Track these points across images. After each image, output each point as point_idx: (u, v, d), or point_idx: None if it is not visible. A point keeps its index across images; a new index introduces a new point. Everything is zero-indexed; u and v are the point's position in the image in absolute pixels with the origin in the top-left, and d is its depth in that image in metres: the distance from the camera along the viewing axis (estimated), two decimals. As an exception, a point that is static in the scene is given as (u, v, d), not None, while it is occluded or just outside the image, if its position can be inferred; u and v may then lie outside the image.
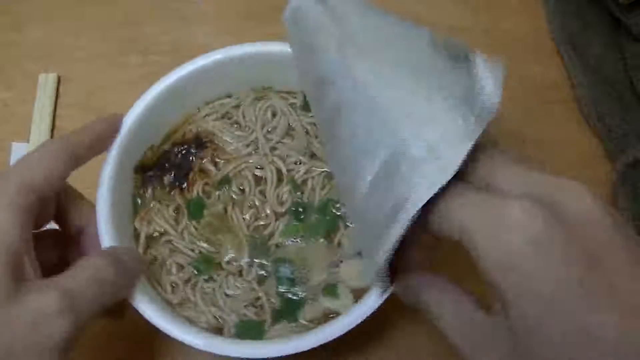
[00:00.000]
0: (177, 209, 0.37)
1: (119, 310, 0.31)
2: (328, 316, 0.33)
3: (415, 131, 0.23)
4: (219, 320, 0.33)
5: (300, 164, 0.37)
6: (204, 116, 0.39)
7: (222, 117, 0.39)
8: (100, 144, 0.33)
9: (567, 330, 0.19)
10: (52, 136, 0.46)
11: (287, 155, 0.37)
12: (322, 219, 0.35)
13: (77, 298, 0.25)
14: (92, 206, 0.32)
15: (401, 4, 0.52)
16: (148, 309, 0.30)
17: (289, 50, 0.32)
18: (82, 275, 0.26)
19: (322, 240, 0.35)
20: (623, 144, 0.44)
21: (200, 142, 0.38)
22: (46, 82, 0.47)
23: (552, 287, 0.19)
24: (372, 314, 0.29)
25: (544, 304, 0.19)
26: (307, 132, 0.38)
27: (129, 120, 0.35)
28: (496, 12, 0.52)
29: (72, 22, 0.51)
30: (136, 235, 0.36)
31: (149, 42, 0.50)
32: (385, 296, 0.28)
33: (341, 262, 0.34)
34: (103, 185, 0.33)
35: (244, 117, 0.39)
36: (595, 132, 0.46)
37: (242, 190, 0.37)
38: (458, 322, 0.23)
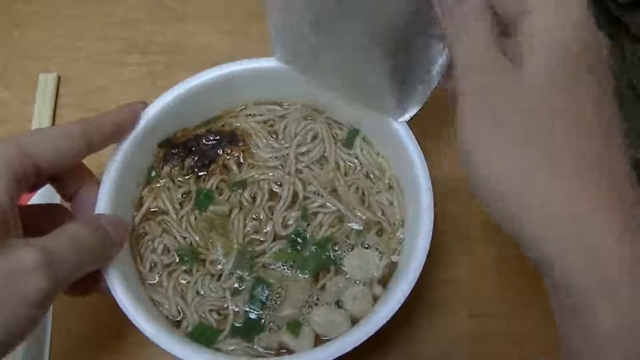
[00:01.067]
0: (186, 194, 0.36)
1: (84, 289, 0.32)
2: (279, 351, 0.33)
3: None
4: (181, 313, 0.33)
5: (318, 195, 0.37)
6: (247, 115, 0.39)
7: (265, 122, 0.39)
8: (118, 133, 0.33)
9: None
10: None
11: (309, 182, 0.37)
12: (317, 255, 0.35)
13: (55, 258, 0.26)
14: (91, 173, 0.33)
15: (401, 4, 0.52)
16: (116, 283, 0.30)
17: None
18: (62, 238, 0.27)
19: (308, 276, 0.34)
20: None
21: (233, 138, 0.38)
22: (46, 82, 0.47)
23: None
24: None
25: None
26: (337, 167, 0.37)
27: (168, 97, 0.35)
28: (496, 12, 0.52)
29: (72, 22, 0.51)
30: (139, 204, 0.36)
31: (148, 42, 0.50)
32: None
33: (315, 304, 0.34)
34: (119, 151, 0.34)
35: (284, 129, 0.38)
36: (595, 132, 0.46)
37: (254, 200, 0.36)
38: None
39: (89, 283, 0.31)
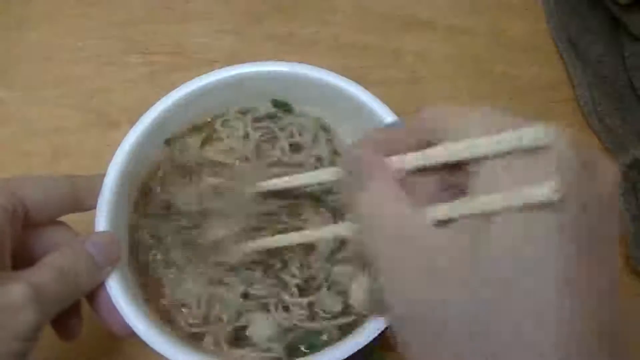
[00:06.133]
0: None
1: (72, 331, 0.32)
2: None
3: None
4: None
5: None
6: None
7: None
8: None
9: None
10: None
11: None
12: None
13: (42, 291, 0.26)
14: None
15: (401, 4, 0.52)
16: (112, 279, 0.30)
17: None
18: (47, 270, 0.27)
19: None
20: (623, 144, 0.44)
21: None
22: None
23: None
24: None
25: None
26: None
27: (178, 95, 0.35)
28: (496, 12, 0.52)
29: (72, 22, 0.51)
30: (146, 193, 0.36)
31: (149, 42, 0.50)
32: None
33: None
34: (122, 149, 0.33)
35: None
36: (595, 132, 0.46)
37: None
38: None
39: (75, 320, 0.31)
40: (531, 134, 0.19)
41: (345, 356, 0.29)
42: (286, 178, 0.33)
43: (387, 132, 0.26)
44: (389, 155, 0.23)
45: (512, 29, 0.51)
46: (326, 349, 0.29)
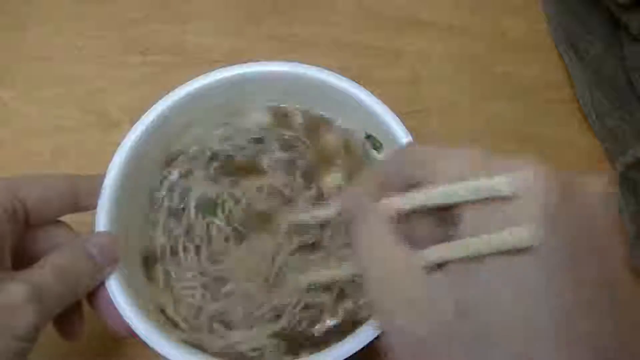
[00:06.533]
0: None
1: (74, 330, 0.32)
2: None
3: None
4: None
5: None
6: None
7: None
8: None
9: None
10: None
11: None
12: None
13: (42, 292, 0.26)
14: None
15: (401, 4, 0.52)
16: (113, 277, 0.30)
17: None
18: (47, 270, 0.27)
19: None
20: (623, 144, 0.44)
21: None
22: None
23: None
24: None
25: None
26: None
27: (178, 95, 0.35)
28: (496, 12, 0.52)
29: (72, 22, 0.51)
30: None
31: (149, 42, 0.50)
32: None
33: None
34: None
35: None
36: (595, 132, 0.46)
37: None
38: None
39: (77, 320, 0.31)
40: (505, 184, 0.19)
41: (346, 356, 0.29)
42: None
43: (377, 176, 0.25)
44: (383, 195, 0.23)
45: (512, 29, 0.51)
46: (326, 349, 0.29)
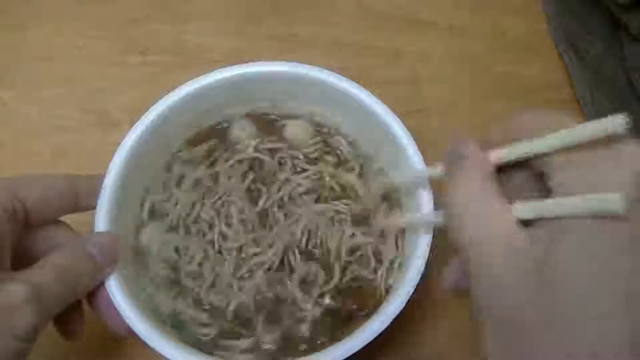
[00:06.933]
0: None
1: (75, 330, 0.32)
2: None
3: None
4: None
5: None
6: None
7: None
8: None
9: None
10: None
11: None
12: None
13: (42, 292, 0.26)
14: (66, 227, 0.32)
15: (402, 4, 0.52)
16: (120, 297, 0.30)
17: None
18: (47, 270, 0.28)
19: None
20: (623, 144, 0.44)
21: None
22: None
23: None
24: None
25: None
26: None
27: (178, 95, 0.35)
28: (496, 12, 0.52)
29: (72, 22, 0.51)
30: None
31: (149, 42, 0.50)
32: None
33: None
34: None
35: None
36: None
37: None
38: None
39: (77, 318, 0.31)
40: (601, 131, 0.20)
41: (346, 356, 0.29)
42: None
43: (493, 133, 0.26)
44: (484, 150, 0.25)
45: (512, 29, 0.51)
46: (327, 349, 0.29)
